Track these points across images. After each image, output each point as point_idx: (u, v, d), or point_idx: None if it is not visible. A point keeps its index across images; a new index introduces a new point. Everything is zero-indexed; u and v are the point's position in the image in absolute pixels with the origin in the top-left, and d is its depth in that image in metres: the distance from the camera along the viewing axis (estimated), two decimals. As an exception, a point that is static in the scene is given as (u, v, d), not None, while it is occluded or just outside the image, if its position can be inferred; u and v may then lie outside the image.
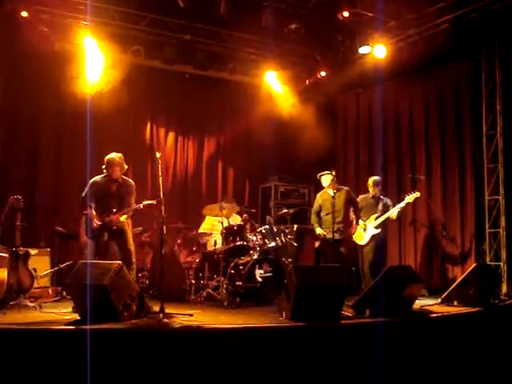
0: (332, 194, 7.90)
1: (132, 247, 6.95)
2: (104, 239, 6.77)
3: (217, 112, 11.11)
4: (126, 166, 7.01)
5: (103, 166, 6.94)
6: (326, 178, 8.09)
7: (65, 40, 8.67)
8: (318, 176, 8.22)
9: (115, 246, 6.83)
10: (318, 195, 8.36)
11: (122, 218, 6.79)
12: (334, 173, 8.09)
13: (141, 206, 6.73)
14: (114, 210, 6.71)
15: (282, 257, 8.15)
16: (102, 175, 6.95)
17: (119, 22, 8.57)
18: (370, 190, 8.53)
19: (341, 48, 9.53)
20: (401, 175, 10.08)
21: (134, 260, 6.88)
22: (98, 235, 6.75)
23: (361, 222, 8.28)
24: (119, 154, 6.99)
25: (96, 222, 6.69)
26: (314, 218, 8.29)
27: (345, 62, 9.74)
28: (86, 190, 6.90)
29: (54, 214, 8.98)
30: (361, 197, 8.52)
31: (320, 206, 8.21)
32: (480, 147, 8.98)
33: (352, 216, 8.24)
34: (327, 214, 8.02)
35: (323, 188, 8.23)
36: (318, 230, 8.10)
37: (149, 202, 6.75)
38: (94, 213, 6.75)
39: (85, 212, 6.83)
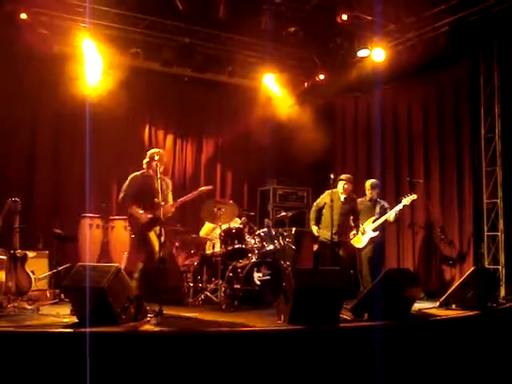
0: (342, 199, 8.07)
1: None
2: (153, 234, 6.69)
3: (215, 115, 11.11)
4: (165, 161, 7.04)
5: (144, 161, 6.95)
6: (345, 186, 8.10)
7: (64, 42, 8.67)
8: (338, 178, 8.13)
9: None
10: (328, 193, 8.03)
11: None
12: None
13: (200, 189, 6.80)
14: (163, 203, 6.54)
15: (280, 260, 8.14)
16: (141, 171, 6.96)
17: (118, 24, 8.57)
18: (368, 192, 8.55)
19: (339, 51, 9.54)
20: (399, 178, 10.09)
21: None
22: (148, 230, 6.69)
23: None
24: (160, 150, 7.07)
25: (147, 216, 6.66)
26: (313, 213, 8.28)
27: (343, 65, 9.75)
28: (126, 187, 6.87)
29: (53, 216, 8.94)
30: (358, 200, 8.51)
31: (325, 204, 8.06)
32: (478, 150, 8.99)
33: (351, 224, 8.24)
34: (330, 214, 7.83)
35: (332, 188, 7.96)
36: (315, 229, 8.19)
37: (206, 187, 6.74)
38: (137, 209, 6.73)
39: (129, 210, 6.78)
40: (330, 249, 7.85)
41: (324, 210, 8.13)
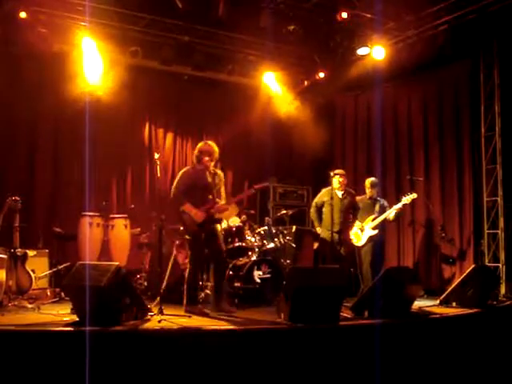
0: (340, 196, 8.03)
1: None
2: (204, 233, 6.44)
3: (215, 113, 11.09)
4: (216, 155, 6.60)
5: (195, 155, 6.61)
6: (340, 180, 8.03)
7: (63, 41, 8.65)
8: (331, 173, 7.88)
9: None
10: (325, 190, 8.13)
11: (231, 208, 6.59)
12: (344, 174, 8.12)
13: (253, 190, 6.56)
14: (218, 200, 6.41)
15: (280, 258, 8.15)
16: (192, 166, 6.69)
17: (117, 22, 8.55)
18: (367, 191, 8.51)
19: (339, 49, 9.51)
20: (399, 176, 10.09)
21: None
22: (201, 229, 6.39)
23: (358, 223, 8.27)
24: (212, 142, 6.70)
25: (202, 215, 6.33)
26: (314, 213, 8.25)
27: (343, 63, 9.75)
28: (177, 183, 6.48)
29: (53, 215, 8.95)
30: (358, 198, 8.50)
31: (323, 203, 8.07)
32: (478, 148, 9.00)
33: (350, 218, 8.24)
34: (330, 212, 7.89)
35: (329, 185, 8.01)
36: (318, 230, 8.17)
37: (261, 185, 6.59)
38: (191, 206, 6.35)
39: (182, 208, 6.38)
40: (330, 246, 7.79)
41: (324, 209, 8.09)
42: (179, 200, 6.41)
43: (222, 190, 6.67)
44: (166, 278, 7.20)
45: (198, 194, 6.43)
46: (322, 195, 8.18)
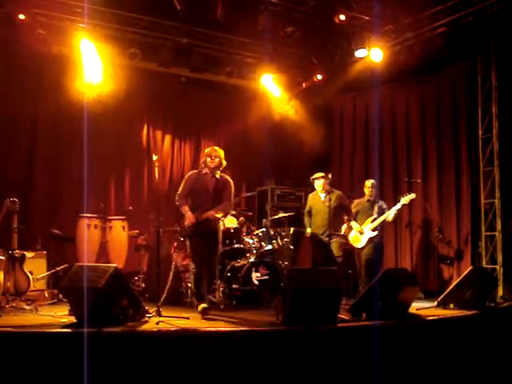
0: (323, 199, 8.05)
1: (218, 250, 6.75)
2: (199, 239, 6.50)
3: (213, 115, 11.11)
4: (224, 162, 6.65)
5: (201, 160, 6.76)
6: (319, 182, 8.13)
7: (62, 43, 8.66)
8: (310, 179, 8.26)
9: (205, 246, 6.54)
10: (310, 196, 8.43)
11: (219, 215, 6.53)
12: (329, 175, 8.06)
13: (237, 199, 6.57)
14: (208, 207, 6.43)
15: (278, 260, 8.16)
16: (198, 170, 6.74)
17: (116, 24, 8.56)
18: (367, 191, 8.48)
19: (337, 51, 9.55)
20: (397, 178, 10.09)
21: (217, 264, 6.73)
22: (191, 234, 6.51)
23: (357, 226, 8.26)
24: (217, 147, 6.78)
25: (190, 220, 6.42)
26: (306, 220, 8.36)
27: (341, 65, 9.74)
28: (181, 186, 6.64)
29: (51, 216, 8.94)
30: (356, 201, 8.51)
31: (310, 208, 8.28)
32: (476, 150, 9.01)
33: (345, 218, 8.21)
34: (316, 216, 8.11)
35: (315, 190, 8.27)
36: (308, 230, 8.23)
37: (248, 194, 6.58)
38: (187, 209, 6.47)
39: (181, 210, 6.57)
40: (321, 249, 7.91)
41: (312, 214, 8.28)
42: (179, 202, 6.58)
43: (229, 196, 6.63)
44: (169, 282, 7.25)
45: (196, 199, 6.54)
46: (308, 201, 8.42)
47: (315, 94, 10.72)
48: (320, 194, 8.16)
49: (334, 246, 7.88)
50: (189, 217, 6.43)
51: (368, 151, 10.67)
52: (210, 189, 6.54)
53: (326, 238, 7.83)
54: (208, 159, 6.58)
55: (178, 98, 10.66)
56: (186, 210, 6.49)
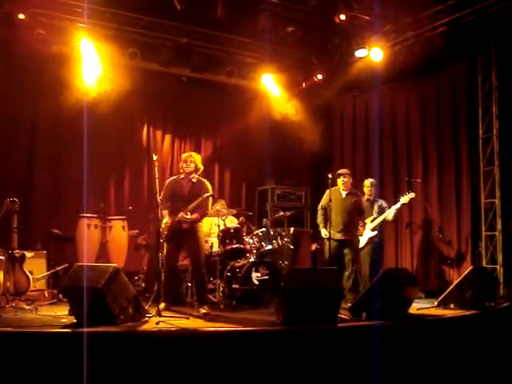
0: (344, 196, 7.83)
1: (202, 253, 6.75)
2: (171, 244, 6.67)
3: (213, 115, 11.10)
4: (201, 167, 6.91)
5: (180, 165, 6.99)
6: (344, 179, 7.85)
7: (62, 42, 8.66)
8: (336, 173, 7.83)
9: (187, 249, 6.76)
10: (329, 191, 7.67)
11: (190, 216, 6.56)
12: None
13: (200, 199, 6.58)
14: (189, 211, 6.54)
15: (278, 260, 8.15)
16: (178, 175, 6.94)
17: (116, 24, 8.56)
18: (366, 190, 8.46)
19: (337, 51, 9.55)
20: (397, 178, 10.10)
21: (202, 269, 6.72)
22: (168, 237, 6.64)
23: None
24: (194, 153, 7.04)
25: (164, 223, 6.61)
26: (320, 217, 7.95)
27: (341, 65, 9.74)
28: (163, 191, 6.82)
29: (51, 216, 8.95)
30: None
31: (328, 203, 7.63)
32: (476, 150, 9.01)
33: (360, 222, 7.90)
34: (334, 213, 7.64)
35: (335, 185, 7.84)
36: (323, 232, 7.79)
37: (208, 194, 6.67)
38: (164, 213, 6.66)
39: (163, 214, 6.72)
40: (334, 249, 7.53)
41: (328, 211, 7.71)
42: (161, 207, 6.68)
43: (202, 200, 6.66)
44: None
45: (173, 203, 6.68)
46: (327, 196, 7.82)
47: (315, 93, 10.71)
48: (342, 191, 7.90)
49: (349, 246, 7.73)
50: (166, 221, 6.63)
51: (368, 151, 10.68)
52: (186, 192, 6.73)
53: (340, 235, 7.64)
54: (184, 165, 6.82)
55: (178, 97, 10.65)
56: (164, 214, 6.67)
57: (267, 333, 5.29)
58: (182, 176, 6.85)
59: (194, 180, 6.79)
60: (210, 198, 6.83)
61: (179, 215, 6.53)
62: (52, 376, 4.40)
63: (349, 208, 7.78)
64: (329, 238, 7.33)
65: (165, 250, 6.69)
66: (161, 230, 6.60)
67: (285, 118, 10.52)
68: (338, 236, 7.67)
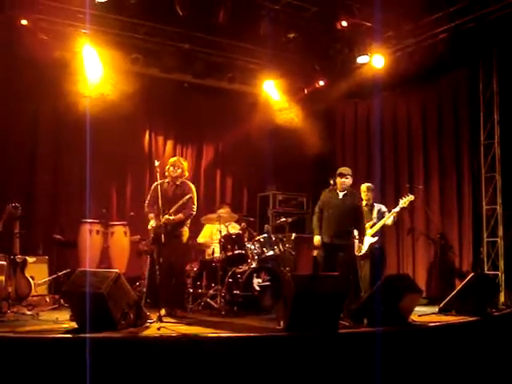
0: (341, 196, 7.25)
1: (179, 258, 6.81)
2: (154, 245, 6.78)
3: (215, 121, 11.11)
4: (186, 174, 7.12)
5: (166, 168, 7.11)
6: (341, 180, 7.26)
7: (64, 48, 8.67)
8: (337, 172, 7.32)
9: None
10: (325, 192, 7.42)
11: (174, 217, 6.62)
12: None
13: (184, 199, 6.69)
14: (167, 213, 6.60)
15: (280, 266, 8.13)
16: (164, 179, 7.04)
17: (118, 30, 8.57)
18: (364, 195, 8.22)
19: (339, 57, 9.56)
20: (398, 184, 10.09)
21: (180, 274, 6.83)
22: (154, 240, 6.73)
23: (355, 233, 7.53)
24: (182, 158, 7.35)
25: (151, 225, 6.78)
26: (316, 221, 7.31)
27: (343, 71, 9.76)
28: (149, 195, 7.07)
29: (53, 221, 8.95)
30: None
31: (323, 205, 7.34)
32: (478, 156, 9.01)
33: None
34: (329, 215, 7.19)
35: (330, 186, 7.40)
36: (316, 239, 7.20)
37: (188, 195, 6.76)
38: (151, 216, 6.84)
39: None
40: (327, 252, 7.19)
41: (324, 213, 7.30)
42: (147, 210, 6.96)
43: (184, 203, 6.74)
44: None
45: (159, 207, 6.64)
46: (322, 197, 7.44)
47: (317, 99, 10.74)
48: (339, 191, 7.28)
49: (345, 251, 7.18)
50: (150, 222, 6.79)
51: (370, 157, 10.69)
52: (170, 195, 6.84)
53: (336, 239, 7.08)
54: (171, 168, 6.97)
55: (180, 103, 10.66)
56: (150, 217, 6.84)
57: (269, 339, 5.28)
58: (168, 180, 6.99)
59: (177, 183, 6.96)
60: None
61: (164, 218, 6.55)
62: (53, 382, 4.39)
63: (345, 210, 7.19)
64: (322, 245, 7.12)
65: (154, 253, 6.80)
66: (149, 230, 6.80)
67: (286, 123, 10.53)
68: (335, 241, 7.09)
